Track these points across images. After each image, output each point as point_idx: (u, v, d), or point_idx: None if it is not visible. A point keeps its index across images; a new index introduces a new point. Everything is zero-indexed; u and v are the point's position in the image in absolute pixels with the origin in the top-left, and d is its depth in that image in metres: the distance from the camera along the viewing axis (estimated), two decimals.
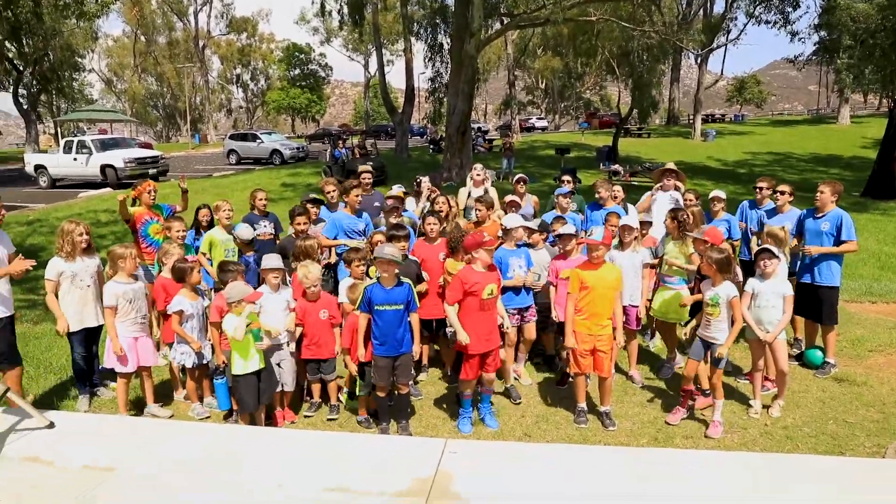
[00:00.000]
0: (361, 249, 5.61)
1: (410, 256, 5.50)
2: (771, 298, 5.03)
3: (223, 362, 4.97)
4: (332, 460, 3.78)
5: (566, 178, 7.81)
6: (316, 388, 5.34)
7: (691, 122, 41.99)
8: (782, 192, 6.48)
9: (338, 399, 5.32)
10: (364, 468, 3.64)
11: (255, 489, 3.48)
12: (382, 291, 4.70)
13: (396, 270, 4.75)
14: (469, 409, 5.00)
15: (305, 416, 5.30)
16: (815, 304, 5.99)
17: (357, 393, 5.13)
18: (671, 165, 7.28)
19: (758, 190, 6.81)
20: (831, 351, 6.09)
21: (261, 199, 6.70)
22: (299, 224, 6.11)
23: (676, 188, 7.14)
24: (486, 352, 4.82)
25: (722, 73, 47.18)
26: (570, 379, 5.83)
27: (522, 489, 3.42)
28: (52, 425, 4.27)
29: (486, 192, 7.43)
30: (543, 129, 56.72)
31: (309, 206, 6.48)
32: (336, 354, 5.22)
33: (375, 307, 4.69)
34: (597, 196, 7.17)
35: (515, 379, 5.82)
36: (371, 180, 7.57)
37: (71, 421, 4.52)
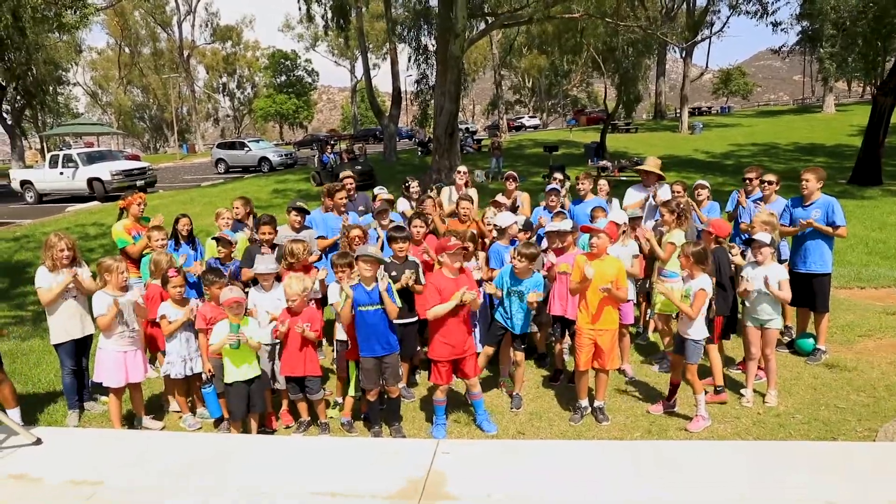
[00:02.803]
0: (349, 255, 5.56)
1: (411, 257, 5.45)
2: (756, 285, 5.05)
3: (209, 371, 4.96)
4: (324, 464, 3.75)
5: (557, 175, 7.82)
6: (302, 407, 5.13)
7: (678, 115, 42.15)
8: (770, 182, 6.51)
9: (328, 417, 5.18)
10: (356, 471, 3.61)
11: (245, 497, 3.44)
12: (364, 292, 4.66)
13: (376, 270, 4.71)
14: (442, 415, 4.93)
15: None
16: (807, 292, 6.00)
17: (350, 393, 5.08)
18: (650, 165, 7.24)
19: (747, 181, 6.82)
20: (823, 338, 6.11)
21: (185, 225, 6.48)
22: (264, 234, 6.03)
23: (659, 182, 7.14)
24: (456, 358, 4.78)
25: (707, 66, 47.38)
26: (562, 376, 5.85)
27: (516, 487, 3.40)
28: (39, 441, 4.22)
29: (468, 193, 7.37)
30: (535, 127, 56.66)
31: (293, 213, 6.42)
32: (321, 373, 5.05)
33: (358, 308, 4.65)
34: (577, 188, 7.17)
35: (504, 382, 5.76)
36: (354, 185, 7.56)
37: (59, 437, 4.47)
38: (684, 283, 4.94)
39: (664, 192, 6.92)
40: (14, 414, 4.92)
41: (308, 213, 6.59)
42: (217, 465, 3.82)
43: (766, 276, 5.00)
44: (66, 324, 5.21)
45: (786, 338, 6.49)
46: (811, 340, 6.14)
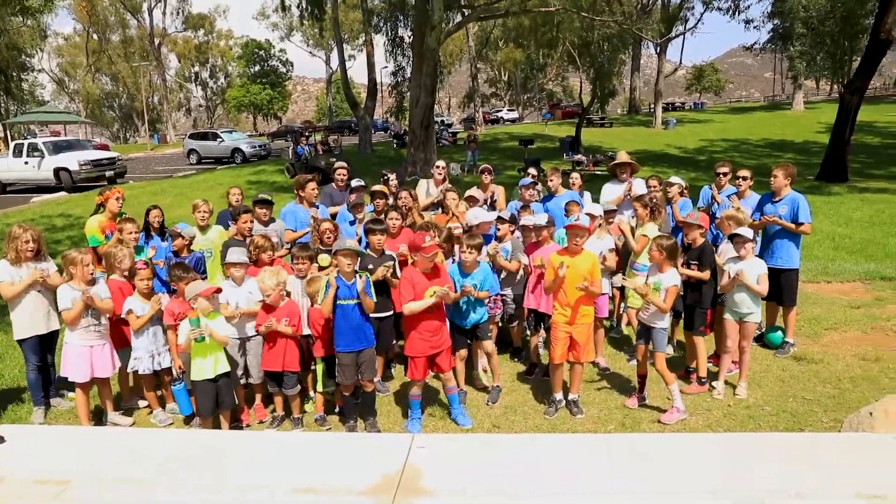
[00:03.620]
0: (309, 248, 5.50)
1: (387, 251, 5.40)
2: (747, 279, 5.13)
3: (179, 367, 4.87)
4: (298, 460, 3.71)
5: (531, 170, 7.83)
6: (278, 400, 5.11)
7: (652, 110, 42.63)
8: (744, 178, 6.57)
9: (302, 410, 5.15)
10: (330, 467, 3.57)
11: (217, 495, 3.39)
12: (345, 286, 4.62)
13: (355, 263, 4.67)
14: (417, 410, 4.92)
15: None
16: (776, 287, 6.09)
17: (318, 389, 5.05)
18: (623, 157, 7.31)
19: (720, 176, 6.90)
20: (791, 331, 6.24)
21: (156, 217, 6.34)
22: (245, 222, 5.98)
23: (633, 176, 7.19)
24: (432, 354, 4.77)
25: (681, 62, 48.08)
26: (537, 369, 5.87)
27: (491, 480, 3.40)
28: (1, 440, 4.09)
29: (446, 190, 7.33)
30: (514, 121, 56.65)
31: (258, 207, 6.33)
32: (299, 369, 4.99)
33: (338, 302, 4.60)
34: (548, 183, 7.20)
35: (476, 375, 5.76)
36: (346, 176, 7.52)
37: (23, 434, 4.33)
38: (652, 276, 4.98)
39: (639, 186, 6.97)
40: None
41: (272, 204, 6.49)
42: (188, 464, 3.74)
43: (741, 270, 5.07)
44: (30, 319, 5.06)
45: (755, 331, 6.61)
46: (780, 334, 6.27)
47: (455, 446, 3.95)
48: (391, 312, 5.41)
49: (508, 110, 61.42)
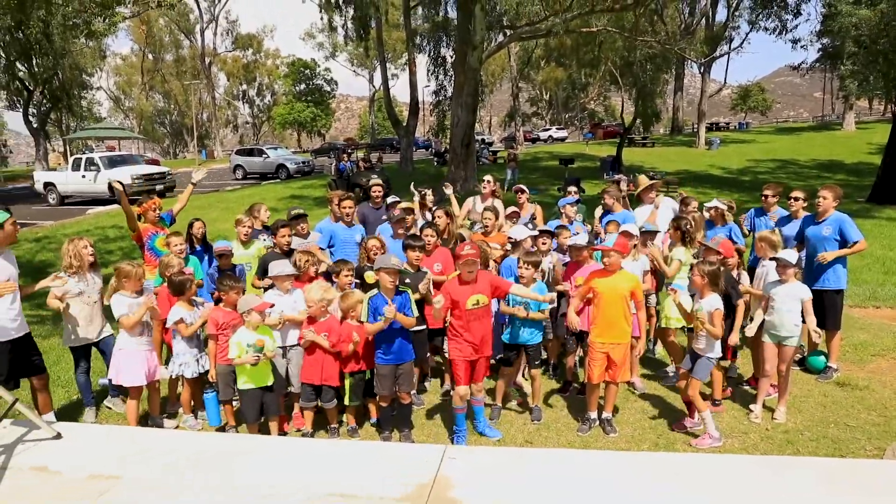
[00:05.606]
0: (349, 262, 5.68)
1: (422, 268, 5.52)
2: (787, 302, 5.06)
3: (213, 377, 5.06)
4: (332, 467, 3.83)
5: (571, 188, 7.89)
6: (308, 416, 5.19)
7: (695, 130, 42.04)
8: (796, 199, 6.44)
9: (338, 421, 5.24)
10: (364, 474, 3.68)
11: (253, 495, 3.53)
12: (385, 302, 4.75)
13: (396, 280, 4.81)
14: (463, 423, 4.92)
15: None
16: (819, 309, 5.97)
17: (347, 402, 5.15)
18: (643, 182, 7.28)
19: (764, 198, 6.82)
20: (835, 356, 6.09)
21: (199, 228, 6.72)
22: (284, 236, 6.16)
23: (671, 196, 7.20)
24: (473, 359, 4.83)
25: (725, 82, 47.30)
26: (574, 385, 5.88)
27: (521, 493, 3.45)
28: (59, 436, 4.35)
29: (493, 204, 7.44)
30: (563, 139, 56.36)
31: (296, 222, 6.52)
32: (338, 383, 5.08)
33: (380, 317, 4.73)
34: (603, 203, 7.24)
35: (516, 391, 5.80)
36: (381, 193, 7.67)
37: (78, 432, 4.59)
38: (693, 302, 4.95)
39: (666, 205, 6.97)
40: (49, 417, 5.04)
41: (306, 216, 6.68)
42: (227, 464, 3.91)
43: (712, 306, 4.83)
44: (85, 328, 5.32)
45: (797, 355, 6.47)
46: (822, 358, 6.12)
47: (486, 459, 4.01)
48: (424, 326, 5.52)
49: (557, 128, 61.05)
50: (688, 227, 5.89)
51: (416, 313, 4.90)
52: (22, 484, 3.71)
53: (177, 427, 5.38)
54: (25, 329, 4.95)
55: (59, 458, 4.02)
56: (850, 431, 4.94)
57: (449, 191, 7.82)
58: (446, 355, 5.75)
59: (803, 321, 5.10)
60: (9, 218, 4.71)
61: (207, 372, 5.26)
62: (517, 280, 5.18)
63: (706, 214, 6.70)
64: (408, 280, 5.22)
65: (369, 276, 5.29)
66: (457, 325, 4.80)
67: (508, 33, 23.66)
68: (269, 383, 4.83)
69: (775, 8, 25.92)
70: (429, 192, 7.99)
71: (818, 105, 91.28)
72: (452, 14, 28.44)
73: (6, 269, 4.68)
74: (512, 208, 7.10)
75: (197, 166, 10.13)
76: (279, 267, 5.29)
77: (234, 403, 5.24)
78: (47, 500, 3.55)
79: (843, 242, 5.94)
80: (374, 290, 4.84)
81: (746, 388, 5.82)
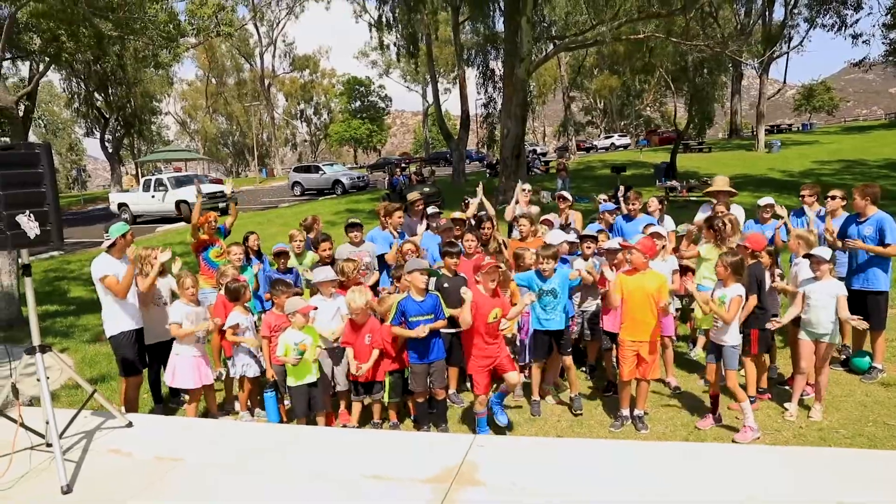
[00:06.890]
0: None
1: (459, 273, 5.78)
2: (822, 299, 5.10)
3: (272, 377, 5.46)
4: (370, 452, 4.17)
5: (602, 196, 8.05)
6: (355, 412, 5.48)
7: (754, 133, 40.80)
8: (833, 197, 6.45)
9: (381, 416, 5.53)
10: (398, 459, 4.00)
11: (302, 474, 3.90)
12: (415, 303, 5.06)
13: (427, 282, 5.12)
14: (485, 427, 5.09)
15: None
16: (863, 310, 5.92)
17: (387, 399, 5.45)
18: (719, 184, 7.25)
19: (801, 198, 6.81)
20: (879, 356, 6.01)
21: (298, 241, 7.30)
22: (325, 250, 6.65)
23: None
24: (490, 367, 5.03)
25: (785, 82, 45.66)
26: (613, 388, 6.01)
27: (543, 478, 3.66)
28: (130, 424, 4.88)
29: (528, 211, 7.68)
30: (626, 146, 55.60)
31: (350, 231, 6.95)
32: (383, 379, 5.39)
33: (410, 319, 5.04)
34: (628, 208, 7.39)
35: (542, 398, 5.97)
36: (422, 206, 8.06)
37: (146, 421, 5.13)
38: (718, 291, 5.05)
39: (736, 211, 6.95)
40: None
41: (362, 226, 7.11)
42: (280, 450, 4.31)
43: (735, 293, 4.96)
44: (157, 328, 5.82)
45: (842, 356, 6.40)
46: (867, 359, 6.05)
47: (512, 446, 4.26)
48: (461, 329, 5.78)
49: (620, 136, 60.19)
50: (720, 225, 5.97)
51: (446, 314, 5.18)
52: (99, 464, 4.22)
53: None
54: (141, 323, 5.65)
55: (130, 442, 4.54)
56: (888, 430, 4.90)
57: (480, 193, 7.96)
58: None
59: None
60: (128, 231, 5.55)
61: (265, 372, 5.69)
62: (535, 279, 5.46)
63: (766, 214, 6.70)
64: (446, 284, 5.52)
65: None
66: (475, 339, 5.00)
67: (556, 44, 23.80)
68: (313, 380, 5.17)
69: (834, 3, 25.07)
70: (472, 200, 8.29)
71: (894, 101, 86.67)
72: (500, 27, 28.88)
73: (121, 268, 5.39)
74: (548, 216, 7.32)
75: (227, 181, 11.77)
76: (322, 273, 5.68)
77: (286, 403, 5.66)
78: (121, 475, 4.04)
79: (885, 242, 5.87)
80: (405, 293, 5.16)
81: (785, 387, 5.81)
